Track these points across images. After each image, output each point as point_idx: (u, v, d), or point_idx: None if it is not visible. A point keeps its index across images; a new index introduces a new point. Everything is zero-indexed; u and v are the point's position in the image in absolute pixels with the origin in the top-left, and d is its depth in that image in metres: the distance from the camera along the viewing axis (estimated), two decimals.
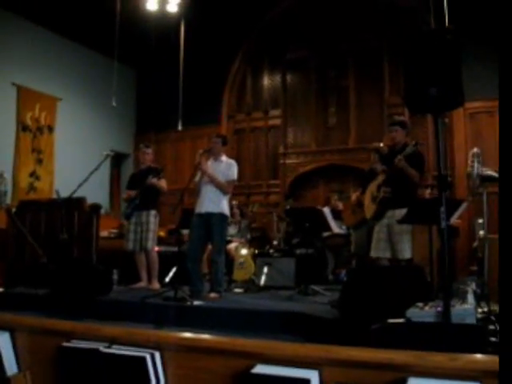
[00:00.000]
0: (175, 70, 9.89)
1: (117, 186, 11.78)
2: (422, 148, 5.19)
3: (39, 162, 9.71)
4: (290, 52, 10.74)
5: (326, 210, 6.76)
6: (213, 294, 5.49)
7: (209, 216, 5.58)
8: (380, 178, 5.14)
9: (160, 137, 11.55)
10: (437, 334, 2.89)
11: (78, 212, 6.77)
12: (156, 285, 6.33)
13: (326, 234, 7.35)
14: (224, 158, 5.89)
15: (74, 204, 6.55)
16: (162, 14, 9.32)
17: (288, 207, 8.04)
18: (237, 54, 11.15)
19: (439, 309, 3.11)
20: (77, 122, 10.57)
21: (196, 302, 5.03)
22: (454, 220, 4.50)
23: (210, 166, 5.76)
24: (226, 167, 5.76)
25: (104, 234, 8.31)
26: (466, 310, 3.19)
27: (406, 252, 4.87)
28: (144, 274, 6.47)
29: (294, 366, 1.64)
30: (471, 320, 3.14)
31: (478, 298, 3.97)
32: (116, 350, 1.89)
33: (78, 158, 9.76)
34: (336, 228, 7.37)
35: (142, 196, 6.29)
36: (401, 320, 3.16)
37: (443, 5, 7.33)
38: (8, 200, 8.61)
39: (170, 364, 1.84)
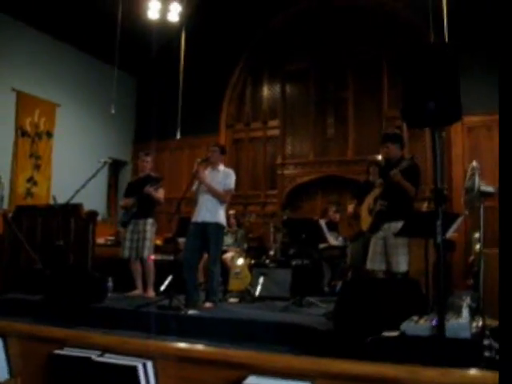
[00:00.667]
0: (175, 78, 9.91)
1: (114, 193, 11.77)
2: (418, 161, 5.19)
3: (37, 167, 9.70)
4: (289, 63, 10.78)
5: (322, 222, 6.76)
6: (208, 304, 5.48)
7: (205, 225, 5.58)
8: (377, 191, 5.14)
9: (158, 145, 11.51)
10: (431, 348, 2.89)
11: (75, 218, 6.76)
12: (151, 293, 6.32)
13: (322, 245, 7.35)
14: (222, 167, 5.89)
15: (70, 210, 6.54)
16: (163, 23, 9.35)
17: (285, 218, 8.04)
18: (237, 64, 11.19)
19: (434, 322, 3.10)
20: (76, 129, 10.57)
21: (191, 312, 5.01)
22: (450, 234, 4.50)
23: (207, 175, 5.76)
24: (223, 176, 5.77)
25: (100, 241, 8.31)
26: (461, 324, 3.18)
27: (401, 265, 4.86)
28: (139, 282, 6.45)
29: (287, 378, 1.64)
30: (465, 334, 3.13)
31: (473, 313, 3.96)
32: (108, 358, 1.88)
33: (75, 165, 9.74)
34: (332, 240, 7.38)
35: (139, 204, 6.29)
36: (395, 333, 3.16)
37: (443, 19, 7.38)
38: (5, 205, 8.59)
39: (162, 374, 1.83)
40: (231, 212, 8.31)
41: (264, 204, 10.80)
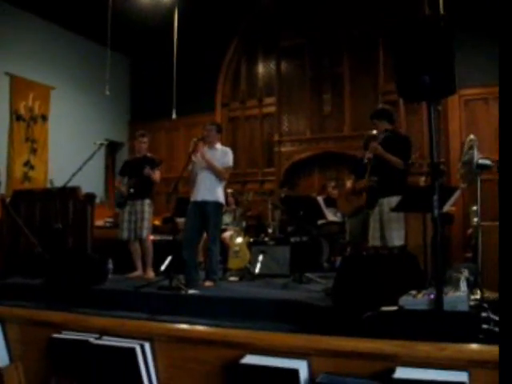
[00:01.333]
0: (169, 58, 9.81)
1: (112, 175, 11.74)
2: (400, 133, 5.21)
3: (33, 151, 9.67)
4: (284, 39, 10.68)
5: (319, 198, 6.76)
6: (208, 283, 5.50)
7: (204, 204, 5.58)
8: (368, 168, 5.15)
9: (154, 125, 11.50)
10: (429, 322, 2.90)
11: (73, 201, 6.76)
12: (151, 274, 6.33)
13: (320, 221, 7.35)
14: (219, 145, 5.87)
15: (68, 193, 6.54)
16: (156, 2, 9.24)
17: (283, 195, 8.04)
18: (231, 42, 11.11)
19: (432, 296, 3.11)
20: (71, 111, 10.52)
21: (191, 291, 5.03)
22: (447, 207, 4.50)
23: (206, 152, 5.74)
24: (221, 155, 5.75)
25: (99, 223, 8.30)
26: (459, 297, 3.19)
27: (394, 240, 4.88)
28: (139, 263, 6.47)
29: (283, 356, 1.65)
30: (463, 307, 3.14)
31: (472, 286, 3.98)
32: (106, 341, 1.89)
33: (72, 147, 9.71)
34: (331, 216, 7.38)
35: (136, 185, 6.28)
36: (393, 308, 3.17)
37: None
38: (2, 190, 8.59)
39: (160, 355, 1.84)
40: (229, 191, 8.31)
41: (262, 182, 10.81)
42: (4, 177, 8.84)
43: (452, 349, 1.48)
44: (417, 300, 3.21)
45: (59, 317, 2.15)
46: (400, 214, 4.86)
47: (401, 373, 1.47)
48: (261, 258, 6.70)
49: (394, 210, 4.59)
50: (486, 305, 3.58)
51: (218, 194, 5.66)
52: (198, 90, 11.02)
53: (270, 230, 8.23)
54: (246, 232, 7.52)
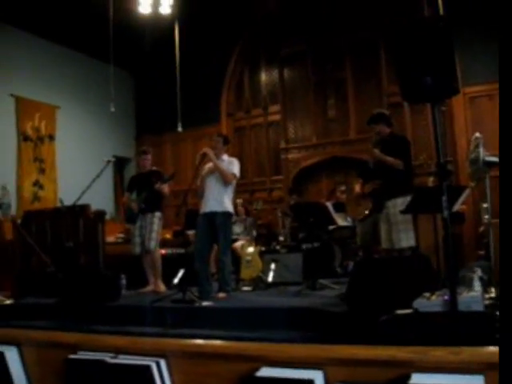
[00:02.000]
0: (172, 71, 9.88)
1: (121, 190, 11.77)
2: (397, 134, 5.23)
3: (42, 171, 9.75)
4: (285, 47, 10.72)
5: (328, 204, 6.75)
6: (221, 294, 5.49)
7: (213, 215, 5.58)
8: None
9: (161, 139, 11.57)
10: (444, 323, 2.89)
11: (83, 219, 6.80)
12: (161, 286, 6.30)
13: (331, 227, 7.33)
14: (225, 157, 5.89)
15: (78, 211, 6.57)
16: (156, 17, 9.30)
17: (292, 203, 8.04)
18: (233, 52, 11.16)
19: (446, 297, 3.11)
20: (77, 130, 10.60)
21: (205, 303, 5.03)
22: (457, 207, 4.49)
23: (211, 166, 5.76)
24: (227, 165, 5.77)
25: (110, 239, 8.32)
26: (473, 297, 3.19)
27: (402, 241, 4.89)
28: (151, 277, 6.47)
29: (299, 367, 1.65)
30: (478, 307, 3.14)
31: (485, 284, 3.96)
32: (122, 359, 1.90)
33: (80, 165, 9.77)
34: (340, 221, 7.36)
35: (147, 199, 6.29)
36: (408, 311, 3.16)
37: None
38: (13, 211, 8.64)
39: (175, 371, 1.85)
40: (239, 201, 8.32)
41: (270, 190, 10.82)
42: (14, 197, 8.91)
43: (466, 352, 1.47)
44: (431, 302, 3.20)
45: (74, 337, 2.17)
46: (407, 216, 4.84)
47: (416, 379, 1.46)
48: (273, 266, 6.68)
49: (403, 211, 4.57)
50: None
51: (227, 204, 5.67)
52: (202, 102, 11.06)
53: (281, 238, 8.22)
54: (257, 241, 7.51)
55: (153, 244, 6.27)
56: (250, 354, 1.74)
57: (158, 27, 9.65)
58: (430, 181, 7.87)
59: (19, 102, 9.46)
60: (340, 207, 7.59)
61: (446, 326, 2.85)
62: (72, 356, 2.03)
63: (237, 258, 7.02)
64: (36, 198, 9.57)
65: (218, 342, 1.89)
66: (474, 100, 9.00)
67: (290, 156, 10.55)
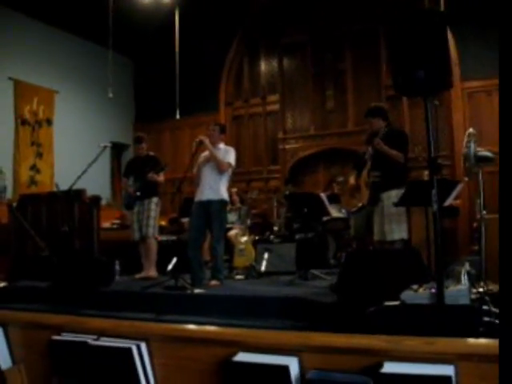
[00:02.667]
0: (171, 58, 9.85)
1: (118, 176, 11.78)
2: (395, 127, 5.23)
3: (39, 155, 9.75)
4: (285, 36, 10.68)
5: (323, 195, 6.76)
6: (213, 282, 5.52)
7: (209, 203, 5.59)
8: (369, 164, 5.18)
9: (159, 126, 11.56)
10: (430, 316, 2.91)
11: (78, 204, 6.78)
12: (152, 272, 6.31)
13: (326, 218, 7.34)
14: (222, 145, 5.89)
15: (73, 196, 6.56)
16: (156, 3, 9.27)
17: (287, 192, 8.05)
18: (233, 41, 11.14)
19: (433, 290, 3.13)
20: (75, 114, 10.58)
21: (197, 290, 5.04)
22: (450, 201, 4.50)
23: (207, 154, 5.77)
24: (223, 154, 5.77)
25: (106, 224, 8.34)
26: (460, 290, 3.21)
27: (394, 233, 4.92)
28: (146, 263, 6.48)
29: (275, 353, 1.67)
30: (465, 300, 3.16)
31: (474, 279, 3.98)
32: (103, 342, 1.92)
33: (77, 150, 9.75)
34: (335, 212, 7.37)
35: (142, 187, 6.30)
36: (396, 303, 3.18)
37: None
38: (9, 194, 8.66)
39: (156, 354, 1.87)
40: (234, 189, 8.33)
41: (267, 180, 10.83)
42: (10, 181, 8.92)
43: (440, 343, 1.49)
44: (418, 294, 3.22)
45: (59, 319, 2.19)
46: (401, 208, 4.87)
47: (389, 367, 1.48)
48: (266, 255, 6.71)
49: (396, 204, 4.59)
50: (487, 298, 3.59)
51: (222, 192, 5.68)
52: (201, 90, 11.05)
53: (275, 228, 8.24)
54: (251, 230, 7.53)
55: (150, 231, 6.29)
56: (227, 339, 1.77)
57: (158, 13, 9.63)
58: (426, 174, 7.90)
59: (17, 85, 9.44)
60: (334, 198, 7.60)
61: (432, 319, 2.87)
62: (56, 337, 2.06)
63: (230, 247, 7.04)
64: (33, 182, 9.58)
65: (196, 327, 1.91)
66: (472, 95, 9.01)
67: (288, 146, 10.55)
